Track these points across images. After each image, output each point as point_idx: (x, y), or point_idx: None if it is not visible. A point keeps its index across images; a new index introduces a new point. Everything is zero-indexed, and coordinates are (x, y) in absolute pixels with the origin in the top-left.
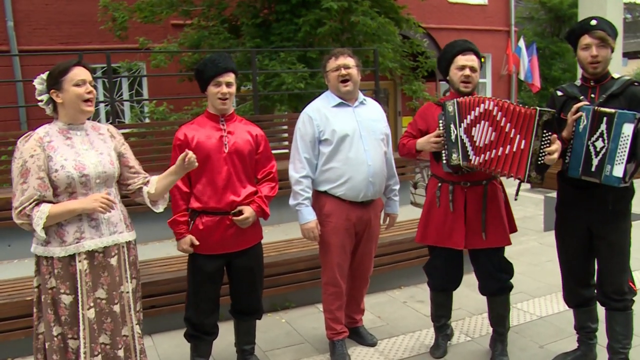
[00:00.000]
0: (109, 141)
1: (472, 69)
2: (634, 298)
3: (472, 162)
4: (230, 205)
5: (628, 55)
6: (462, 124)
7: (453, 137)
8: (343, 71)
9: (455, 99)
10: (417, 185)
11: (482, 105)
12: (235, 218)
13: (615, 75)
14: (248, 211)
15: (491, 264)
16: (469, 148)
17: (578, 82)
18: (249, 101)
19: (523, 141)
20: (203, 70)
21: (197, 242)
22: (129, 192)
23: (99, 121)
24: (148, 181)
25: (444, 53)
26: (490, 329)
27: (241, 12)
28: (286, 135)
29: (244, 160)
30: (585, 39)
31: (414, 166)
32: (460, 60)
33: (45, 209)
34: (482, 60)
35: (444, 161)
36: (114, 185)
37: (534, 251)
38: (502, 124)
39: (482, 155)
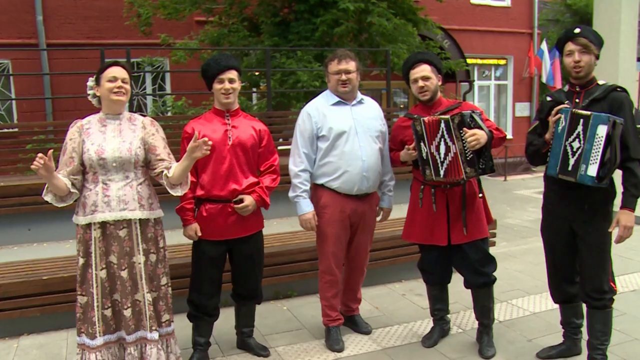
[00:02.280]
0: (139, 131)
1: (424, 78)
2: (614, 297)
3: (441, 176)
4: (232, 193)
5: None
6: (432, 143)
7: (424, 154)
8: (344, 76)
9: (422, 119)
10: None
11: (442, 122)
12: (236, 206)
13: (601, 82)
14: (248, 199)
15: (474, 258)
16: (439, 164)
17: (566, 88)
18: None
19: (452, 146)
20: (207, 69)
21: (200, 233)
22: (154, 175)
23: None
24: (170, 167)
25: (402, 71)
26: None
27: (261, 10)
28: None
29: (246, 152)
30: (569, 46)
31: None
32: (412, 74)
33: None
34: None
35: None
36: (138, 170)
37: (537, 251)
38: (446, 137)
39: (443, 169)
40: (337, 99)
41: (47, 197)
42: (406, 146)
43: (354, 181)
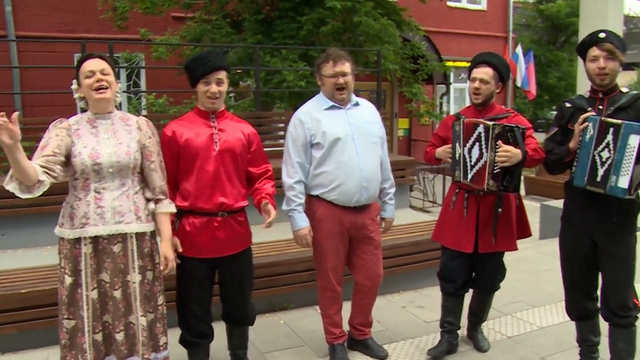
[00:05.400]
0: (135, 132)
1: (482, 81)
2: (638, 315)
3: (468, 180)
4: (219, 207)
5: (623, 66)
6: (466, 144)
7: (457, 154)
8: (341, 79)
9: (462, 119)
10: (412, 188)
11: (479, 126)
12: (268, 221)
13: (624, 89)
14: (273, 211)
15: (490, 268)
16: (469, 167)
17: (586, 94)
18: (247, 97)
19: (485, 154)
20: (193, 68)
21: (180, 248)
22: (143, 190)
23: None
24: (159, 200)
25: (469, 67)
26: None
27: (243, 7)
28: (283, 133)
29: (235, 159)
30: (594, 51)
31: (412, 169)
32: (473, 72)
33: None
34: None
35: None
36: (134, 176)
37: (531, 259)
38: (482, 143)
39: (471, 173)
40: (331, 103)
41: (10, 186)
42: (445, 145)
43: (352, 192)
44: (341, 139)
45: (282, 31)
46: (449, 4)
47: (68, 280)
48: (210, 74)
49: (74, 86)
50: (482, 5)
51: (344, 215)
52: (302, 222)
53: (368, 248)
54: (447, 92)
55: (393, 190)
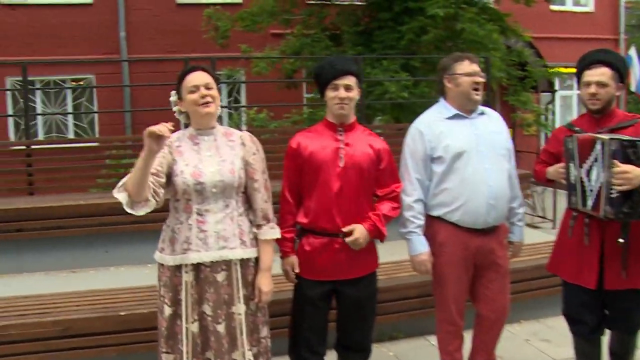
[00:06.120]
0: (238, 148)
1: (600, 84)
2: None
3: (588, 207)
4: (342, 226)
5: None
6: (582, 165)
7: (572, 177)
8: (480, 79)
9: (575, 136)
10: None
11: (598, 143)
12: (346, 239)
13: None
14: (359, 231)
15: (627, 306)
16: (588, 192)
17: None
18: None
19: (601, 174)
20: (320, 72)
21: (297, 269)
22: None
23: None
24: (260, 226)
25: (576, 66)
26: None
27: (342, 20)
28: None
29: (361, 176)
30: None
31: (526, 182)
32: (586, 75)
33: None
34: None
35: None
36: (238, 197)
37: None
38: (600, 162)
39: (592, 199)
40: (455, 111)
41: (120, 196)
42: (558, 164)
43: (479, 212)
44: (465, 152)
45: (382, 42)
46: (553, 7)
47: (167, 310)
48: (339, 78)
49: (173, 98)
50: (590, 7)
51: (469, 238)
52: (422, 246)
53: (495, 276)
54: (553, 100)
55: (523, 210)
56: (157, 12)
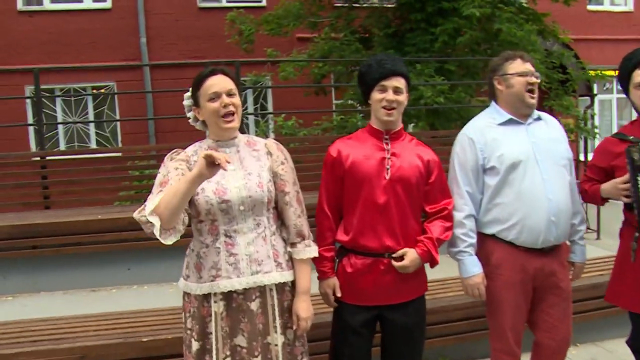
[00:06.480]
0: (264, 159)
1: None
2: None
3: None
4: (386, 246)
5: None
6: None
7: None
8: (534, 79)
9: None
10: None
11: None
12: (395, 264)
13: None
14: (411, 257)
15: None
16: None
17: None
18: None
19: None
20: (366, 72)
21: (338, 293)
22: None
23: None
24: (294, 244)
25: (620, 66)
26: None
27: (371, 22)
28: None
29: (409, 190)
30: None
31: None
32: (636, 76)
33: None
34: None
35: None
36: (270, 213)
37: None
38: None
39: None
40: (508, 116)
41: (153, 219)
42: (615, 179)
43: (539, 229)
44: (522, 162)
45: (415, 44)
46: (590, 7)
47: (195, 345)
48: (387, 79)
49: (187, 102)
50: (629, 7)
51: (528, 259)
52: (475, 267)
53: (556, 301)
54: (592, 105)
55: (584, 227)
56: (178, 16)
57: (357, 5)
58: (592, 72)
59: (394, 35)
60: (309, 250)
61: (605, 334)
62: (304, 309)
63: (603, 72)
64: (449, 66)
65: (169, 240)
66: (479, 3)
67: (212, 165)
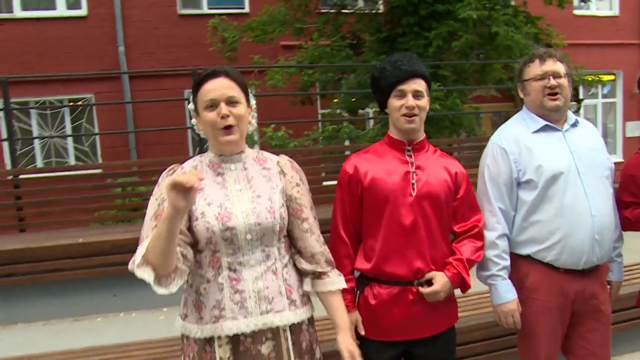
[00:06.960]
0: (276, 179)
1: None
2: None
3: None
4: (415, 272)
5: None
6: None
7: None
8: (552, 81)
9: None
10: None
11: None
12: (423, 290)
13: None
14: (440, 281)
15: None
16: None
17: None
18: (376, 125)
19: None
20: (380, 76)
21: (362, 330)
22: (294, 259)
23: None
24: (323, 274)
25: None
26: None
27: (361, 27)
28: None
29: (438, 208)
30: None
31: None
32: None
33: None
34: None
35: None
36: (281, 243)
37: None
38: None
39: None
40: (543, 122)
41: (145, 274)
42: None
43: (581, 249)
44: (563, 174)
45: (408, 49)
46: (576, 12)
47: None
48: (405, 82)
49: (191, 106)
50: (614, 11)
51: (567, 282)
52: (509, 292)
53: (596, 325)
54: (578, 110)
55: (621, 244)
56: (157, 24)
57: (345, 11)
58: (589, 77)
59: (385, 40)
60: (341, 279)
61: (625, 347)
62: (353, 344)
63: (587, 77)
64: (443, 72)
65: (173, 288)
66: (476, 5)
67: (183, 191)
